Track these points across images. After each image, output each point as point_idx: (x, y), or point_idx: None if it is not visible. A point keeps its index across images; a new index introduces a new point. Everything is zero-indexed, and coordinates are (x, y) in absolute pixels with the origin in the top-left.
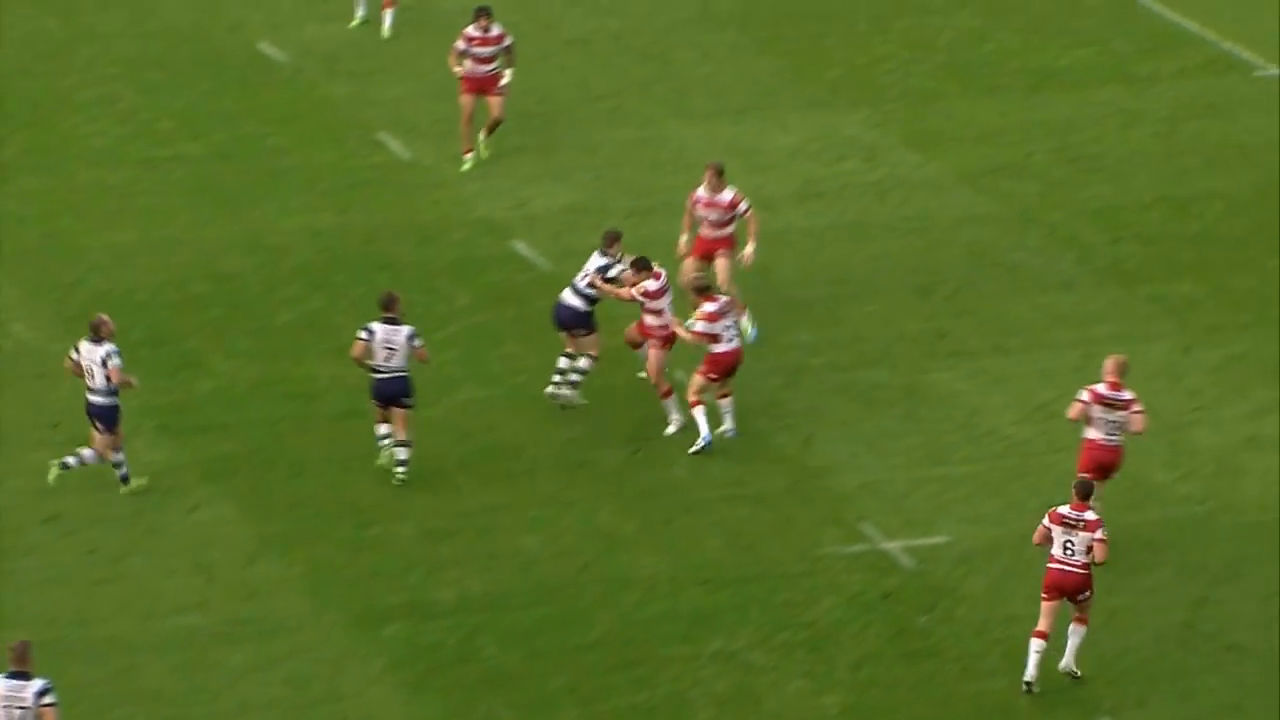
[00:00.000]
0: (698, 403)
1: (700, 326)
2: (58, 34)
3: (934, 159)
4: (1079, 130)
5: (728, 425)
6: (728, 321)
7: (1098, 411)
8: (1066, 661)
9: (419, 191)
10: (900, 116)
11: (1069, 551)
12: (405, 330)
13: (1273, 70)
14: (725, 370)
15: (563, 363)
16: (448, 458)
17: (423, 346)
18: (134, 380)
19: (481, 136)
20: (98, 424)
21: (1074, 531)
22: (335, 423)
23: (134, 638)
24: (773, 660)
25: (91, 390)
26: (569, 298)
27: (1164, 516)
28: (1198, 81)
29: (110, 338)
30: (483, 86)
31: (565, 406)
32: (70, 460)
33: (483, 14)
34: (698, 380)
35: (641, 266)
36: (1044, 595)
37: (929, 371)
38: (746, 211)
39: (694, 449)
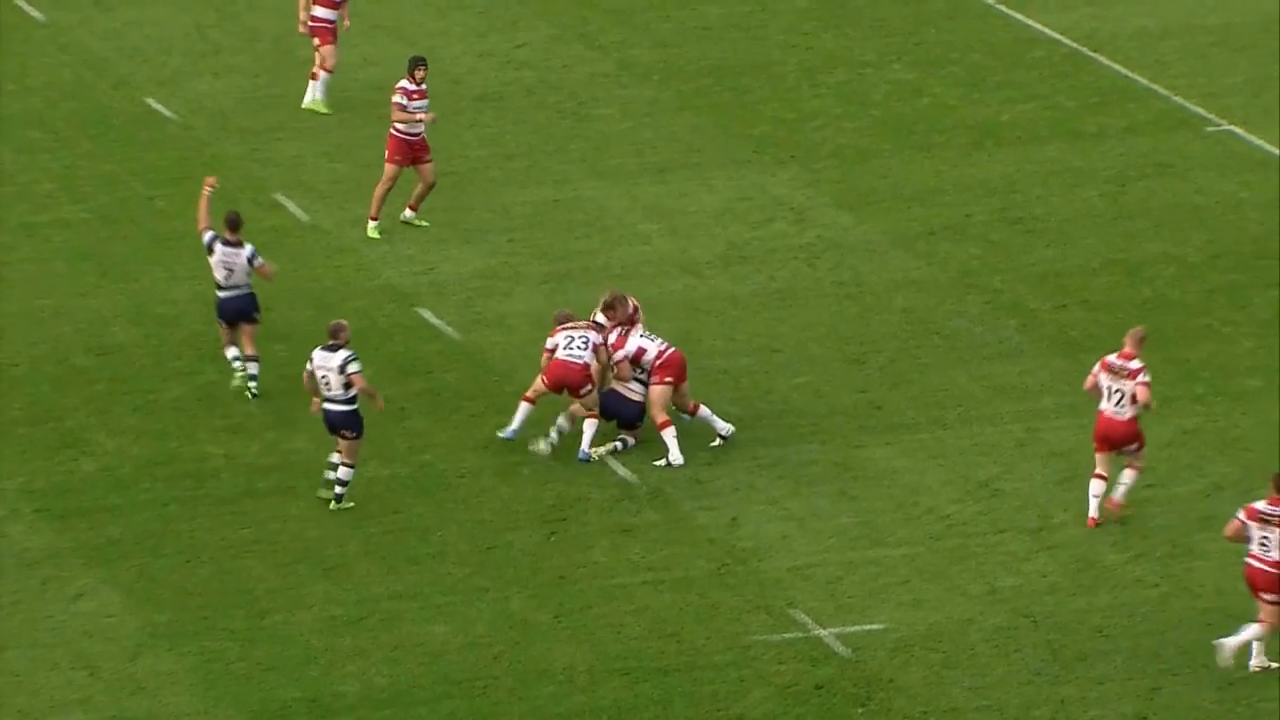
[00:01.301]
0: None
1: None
2: None
3: (867, 220)
4: (1021, 190)
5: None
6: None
7: (1105, 380)
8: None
9: (318, 256)
10: (831, 175)
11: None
12: (246, 250)
13: (1226, 126)
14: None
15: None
16: (349, 541)
17: (264, 264)
18: (378, 396)
19: (408, 214)
20: (345, 433)
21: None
22: (228, 505)
23: None
24: None
25: (329, 400)
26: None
27: (1115, 601)
28: (1147, 138)
29: (347, 344)
30: (416, 153)
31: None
32: (331, 476)
33: (420, 65)
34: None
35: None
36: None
37: (863, 446)
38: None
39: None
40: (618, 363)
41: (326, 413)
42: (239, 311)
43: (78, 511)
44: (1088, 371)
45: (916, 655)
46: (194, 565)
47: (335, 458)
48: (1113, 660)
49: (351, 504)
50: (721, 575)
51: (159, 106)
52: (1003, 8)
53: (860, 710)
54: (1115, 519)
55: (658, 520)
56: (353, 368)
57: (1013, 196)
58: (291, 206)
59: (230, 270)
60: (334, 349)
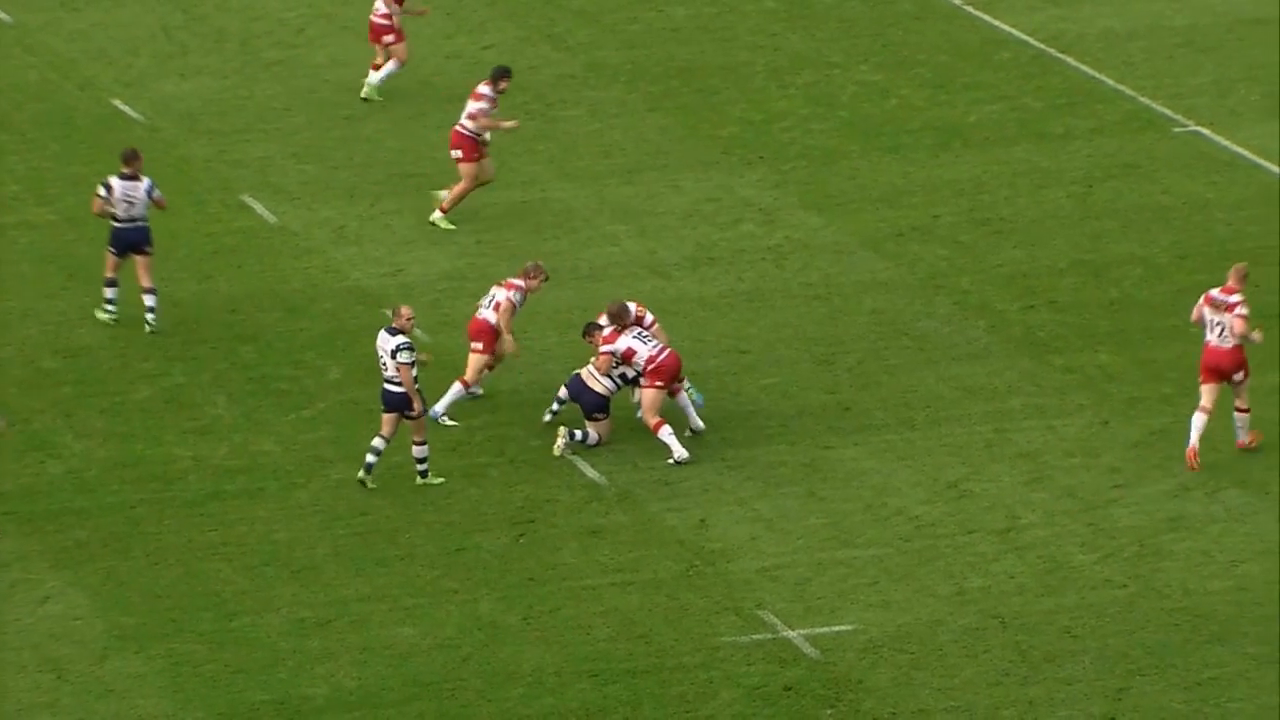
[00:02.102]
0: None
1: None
2: None
3: (835, 221)
4: (989, 191)
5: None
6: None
7: (1208, 314)
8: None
9: (286, 258)
10: (799, 177)
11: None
12: (145, 183)
13: (1193, 127)
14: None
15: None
16: (318, 543)
17: (162, 196)
18: (417, 401)
19: (438, 215)
20: (406, 414)
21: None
22: (196, 507)
23: None
24: None
25: (388, 381)
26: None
27: (1082, 601)
28: (1114, 139)
29: (406, 330)
30: (482, 153)
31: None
32: (372, 460)
33: (506, 76)
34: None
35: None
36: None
37: (832, 447)
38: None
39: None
40: (601, 354)
41: (385, 392)
42: (133, 244)
43: (45, 514)
44: (1192, 306)
45: (885, 656)
46: (161, 567)
47: (378, 442)
48: (1081, 661)
49: (441, 479)
50: (690, 577)
51: (125, 108)
52: (970, 9)
53: (829, 712)
54: (1254, 449)
55: (626, 522)
56: (402, 357)
57: (980, 197)
58: (259, 208)
59: (131, 203)
60: (394, 333)
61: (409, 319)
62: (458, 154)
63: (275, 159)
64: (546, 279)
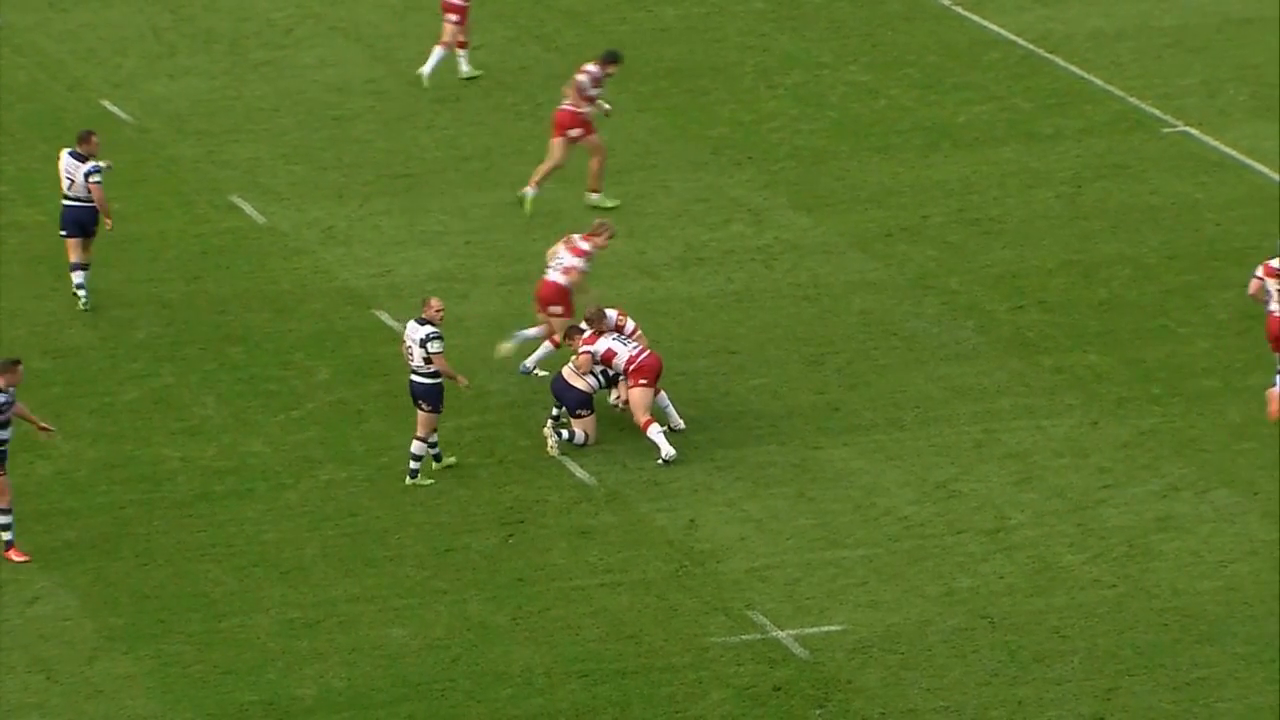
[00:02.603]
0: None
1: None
2: None
3: (824, 222)
4: (978, 191)
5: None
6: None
7: (1271, 284)
8: None
9: (275, 258)
10: (788, 177)
11: None
12: (86, 166)
13: (1181, 127)
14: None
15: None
16: (307, 544)
17: (98, 187)
18: (459, 377)
19: (594, 197)
20: (422, 404)
21: None
22: (185, 507)
23: None
24: None
25: (414, 371)
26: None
27: (1072, 601)
28: (1103, 139)
29: (435, 322)
30: (586, 128)
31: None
32: (417, 463)
33: (615, 61)
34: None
35: (576, 332)
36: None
37: (821, 448)
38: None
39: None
40: (581, 354)
41: (411, 383)
42: (77, 222)
43: (34, 515)
44: (1251, 277)
45: (874, 656)
46: (150, 568)
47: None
48: (1070, 661)
49: (430, 481)
50: (679, 577)
51: (114, 109)
52: (959, 9)
53: (818, 712)
54: None
55: (616, 522)
56: (433, 347)
57: (970, 198)
58: (248, 209)
59: (71, 180)
60: (423, 323)
61: (439, 310)
62: (576, 132)
63: (264, 159)
64: (613, 236)
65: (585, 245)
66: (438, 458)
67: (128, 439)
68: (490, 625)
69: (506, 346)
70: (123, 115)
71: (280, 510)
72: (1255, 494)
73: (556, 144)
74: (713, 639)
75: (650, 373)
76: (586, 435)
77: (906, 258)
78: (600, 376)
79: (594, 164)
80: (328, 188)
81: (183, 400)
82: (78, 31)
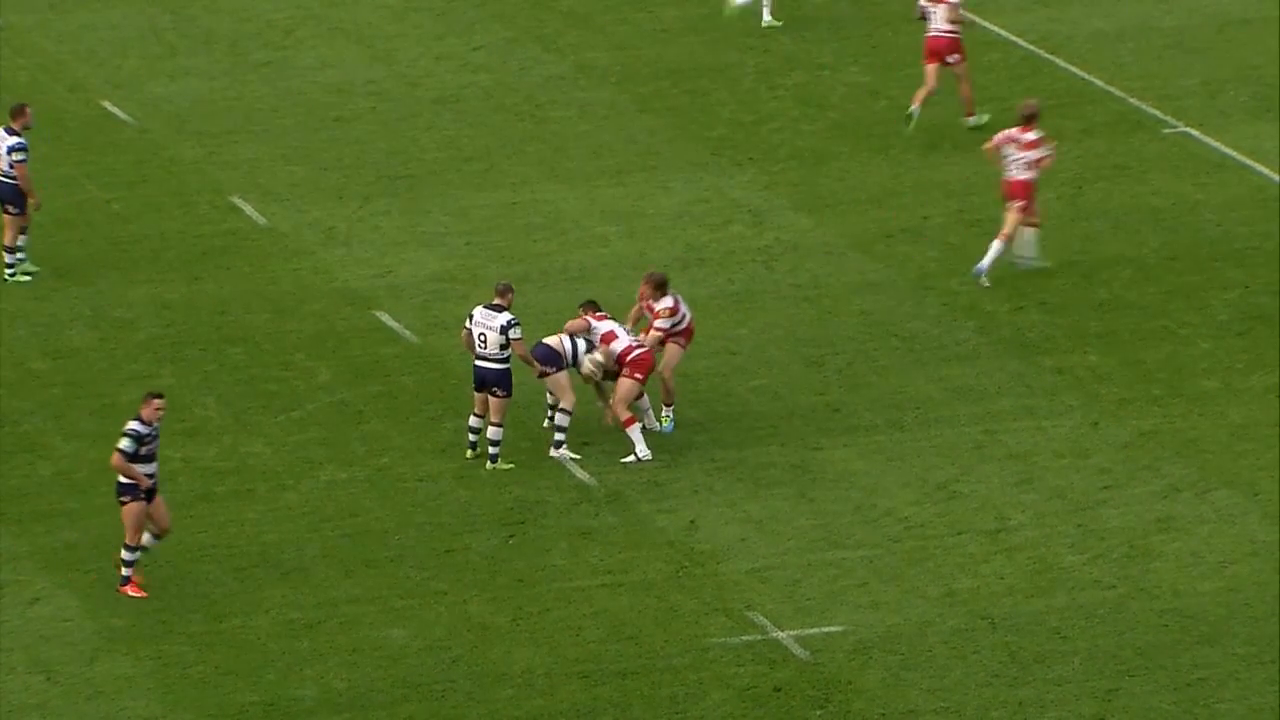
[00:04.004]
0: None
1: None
2: None
3: (825, 223)
4: (979, 192)
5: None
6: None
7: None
8: None
9: (275, 259)
10: (789, 178)
11: None
12: (12, 140)
13: (1182, 128)
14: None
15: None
16: (307, 545)
17: (23, 165)
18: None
19: (971, 120)
20: (496, 390)
21: None
22: (185, 508)
23: None
24: None
25: (483, 359)
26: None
27: (1072, 602)
28: (1104, 140)
29: (510, 306)
30: (944, 51)
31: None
32: (473, 438)
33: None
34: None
35: (594, 308)
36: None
37: (821, 449)
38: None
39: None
40: (579, 320)
41: (478, 369)
42: (3, 197)
43: (34, 516)
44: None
45: (875, 657)
46: (151, 569)
47: (474, 421)
48: (1070, 662)
49: (510, 465)
50: (680, 578)
51: (115, 109)
52: (960, 10)
53: (818, 713)
54: None
55: (616, 523)
56: (515, 333)
57: (970, 199)
58: (249, 209)
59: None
60: (498, 309)
61: (512, 297)
62: (954, 58)
63: (264, 160)
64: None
65: (1030, 135)
66: (494, 459)
67: None
68: (491, 626)
69: None
70: (123, 116)
71: (281, 511)
72: (1256, 495)
73: (930, 69)
74: (713, 640)
75: (645, 368)
76: (560, 399)
77: (907, 259)
78: (575, 347)
79: (964, 89)
80: (328, 188)
81: (183, 401)
82: (78, 32)
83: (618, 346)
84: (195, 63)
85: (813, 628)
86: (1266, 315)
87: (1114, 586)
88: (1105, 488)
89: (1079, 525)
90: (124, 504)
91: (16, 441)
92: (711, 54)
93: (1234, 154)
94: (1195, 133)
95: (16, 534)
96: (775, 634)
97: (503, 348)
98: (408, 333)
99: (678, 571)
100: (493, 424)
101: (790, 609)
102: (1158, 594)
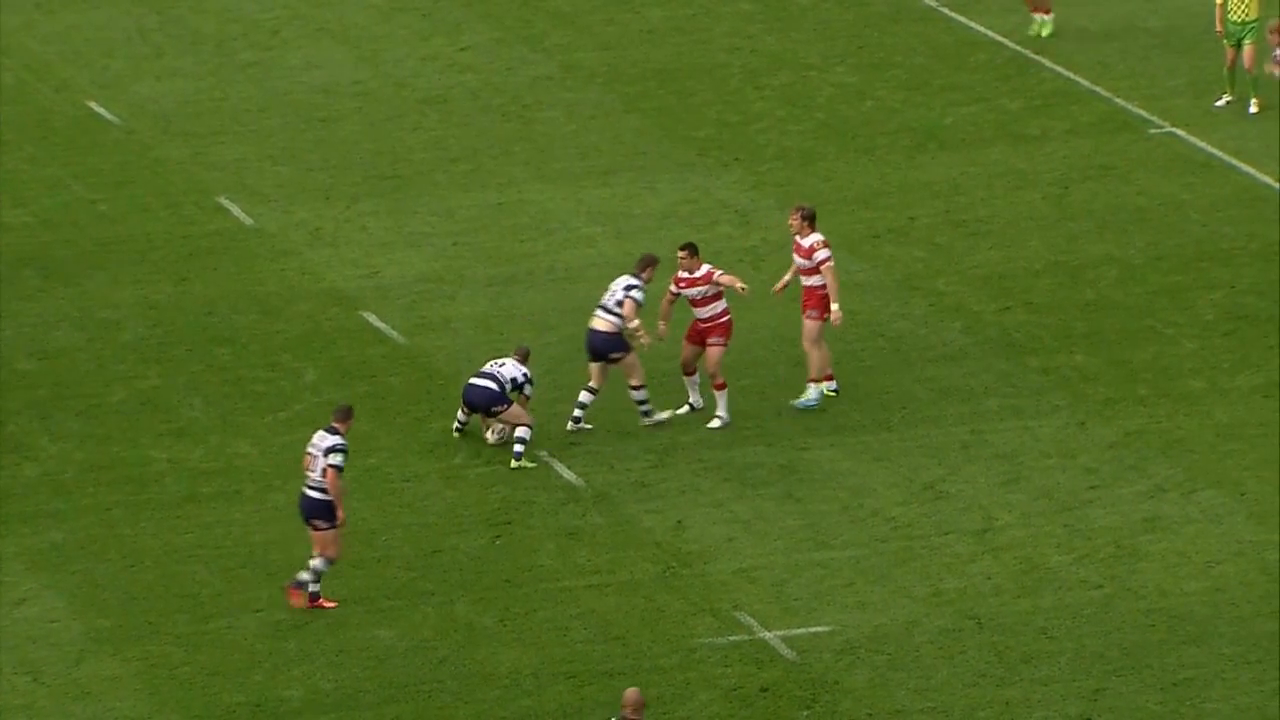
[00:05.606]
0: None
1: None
2: None
3: None
4: (965, 192)
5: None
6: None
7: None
8: None
9: (262, 260)
10: (776, 178)
11: None
12: None
13: (1168, 128)
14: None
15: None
16: (295, 545)
17: None
18: (645, 335)
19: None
20: (612, 356)
21: None
22: (172, 509)
23: None
24: None
25: (594, 330)
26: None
27: (1059, 602)
28: (1090, 140)
29: (645, 281)
30: None
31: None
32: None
33: None
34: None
35: (693, 251)
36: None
37: (808, 449)
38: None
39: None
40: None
41: (591, 334)
42: None
43: (20, 516)
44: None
45: (862, 657)
46: (137, 570)
47: (585, 396)
48: (1057, 661)
49: (666, 416)
50: (667, 578)
51: (101, 110)
52: (945, 10)
53: (805, 713)
54: None
55: (603, 523)
56: (635, 295)
57: (956, 199)
58: (235, 210)
59: None
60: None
61: (650, 270)
62: None
63: (251, 161)
64: None
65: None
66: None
67: (115, 441)
68: (477, 626)
69: None
70: (109, 116)
71: (268, 512)
72: (1242, 495)
73: None
74: (700, 640)
75: (725, 332)
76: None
77: (893, 259)
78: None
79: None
80: (315, 189)
81: (170, 402)
82: (64, 33)
83: (714, 311)
84: (182, 63)
85: (800, 628)
86: (1252, 315)
87: (1100, 586)
88: (1092, 488)
89: (1065, 525)
90: (341, 523)
91: (3, 442)
92: (698, 54)
93: (1220, 154)
94: (1181, 133)
95: (2, 535)
96: (762, 634)
97: (619, 306)
98: (394, 333)
99: (665, 572)
100: (632, 386)
101: (777, 609)
102: (1144, 594)
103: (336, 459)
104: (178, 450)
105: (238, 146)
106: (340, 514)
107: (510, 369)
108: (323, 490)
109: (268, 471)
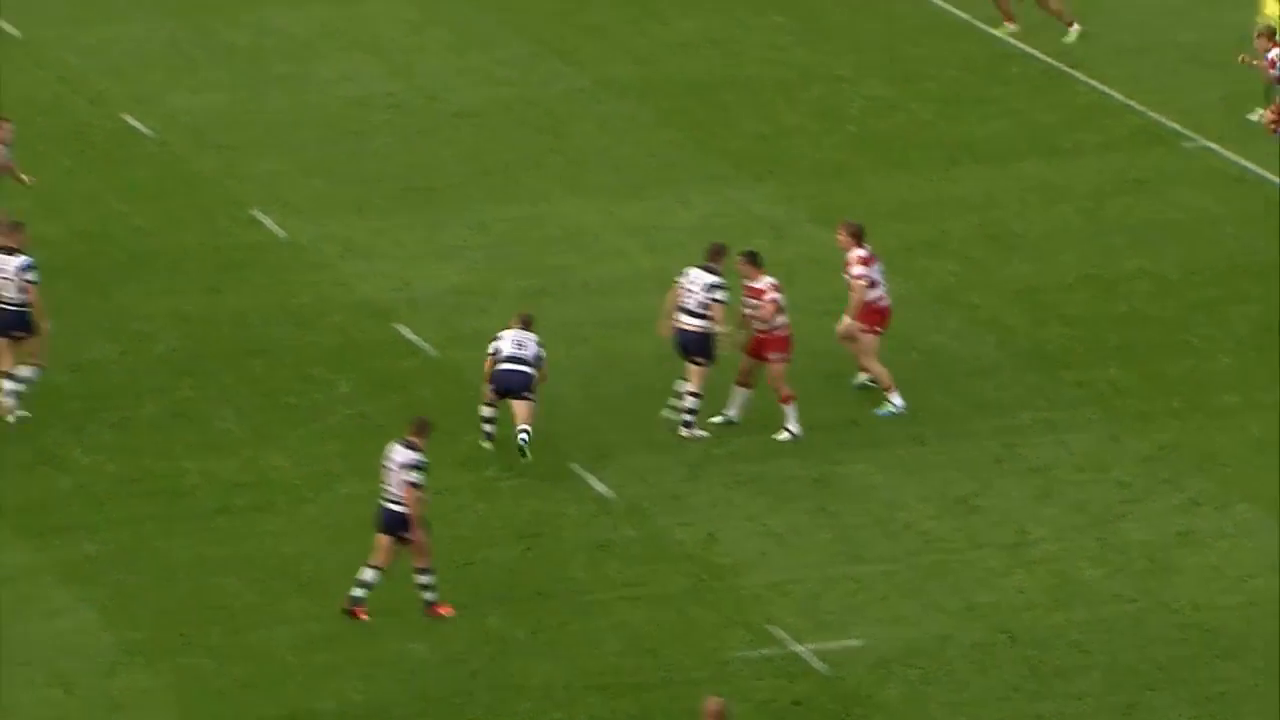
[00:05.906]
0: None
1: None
2: None
3: None
4: (999, 206)
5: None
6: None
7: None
8: None
9: (295, 272)
10: (809, 191)
11: None
12: (16, 261)
13: (1202, 142)
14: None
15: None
16: (327, 557)
17: (35, 283)
18: (725, 329)
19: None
20: (697, 358)
21: None
22: (205, 521)
23: None
24: None
25: (681, 327)
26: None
27: (1093, 616)
28: (1124, 154)
29: (721, 274)
30: None
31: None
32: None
33: None
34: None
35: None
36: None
37: (841, 463)
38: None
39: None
40: (767, 302)
41: (679, 334)
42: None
43: (53, 529)
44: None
45: (894, 672)
46: (170, 582)
47: (681, 384)
48: (1090, 676)
49: (705, 434)
50: (699, 591)
51: (136, 123)
52: (979, 24)
53: None
54: None
55: (635, 536)
56: (720, 295)
57: (990, 213)
58: (268, 222)
59: (5, 279)
60: (710, 271)
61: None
62: None
63: (284, 173)
64: None
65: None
66: (688, 424)
67: (147, 453)
68: (509, 639)
69: None
70: (144, 130)
71: (300, 524)
72: (1277, 509)
73: None
74: (732, 653)
75: (783, 347)
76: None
77: (927, 272)
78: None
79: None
80: (348, 201)
81: (202, 414)
82: (100, 46)
83: (778, 322)
84: (215, 76)
85: (832, 642)
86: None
87: (1134, 600)
88: (1125, 501)
89: (1099, 539)
90: (417, 540)
91: (36, 454)
92: (731, 67)
93: (1253, 167)
94: (1215, 146)
95: (36, 547)
96: (794, 648)
97: (705, 308)
98: (427, 346)
99: (697, 585)
100: (689, 393)
101: (810, 623)
102: (1178, 608)
103: (414, 475)
104: (210, 462)
105: (271, 159)
106: (416, 533)
107: (532, 347)
108: (400, 503)
109: (300, 484)
